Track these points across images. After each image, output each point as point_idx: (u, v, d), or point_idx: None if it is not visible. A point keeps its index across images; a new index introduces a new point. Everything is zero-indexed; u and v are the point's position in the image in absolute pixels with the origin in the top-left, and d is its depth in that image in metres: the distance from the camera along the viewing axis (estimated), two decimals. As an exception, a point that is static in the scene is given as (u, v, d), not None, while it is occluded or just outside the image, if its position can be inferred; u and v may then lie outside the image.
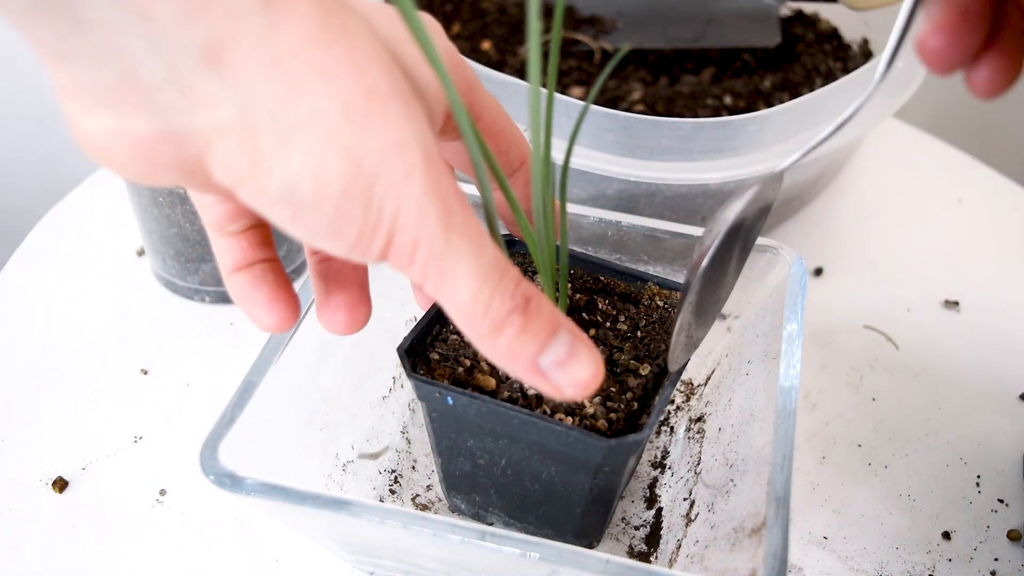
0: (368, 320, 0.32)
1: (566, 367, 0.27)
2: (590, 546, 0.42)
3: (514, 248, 0.41)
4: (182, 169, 0.23)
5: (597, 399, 0.35)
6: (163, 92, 0.21)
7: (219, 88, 0.22)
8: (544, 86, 0.37)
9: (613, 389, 0.35)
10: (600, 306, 0.39)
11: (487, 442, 0.36)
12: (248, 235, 0.31)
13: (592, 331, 0.38)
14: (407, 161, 0.23)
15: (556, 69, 0.28)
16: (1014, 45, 0.24)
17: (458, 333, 0.37)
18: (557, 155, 0.46)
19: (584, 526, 0.39)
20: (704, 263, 0.31)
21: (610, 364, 0.37)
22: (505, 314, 0.25)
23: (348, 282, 0.32)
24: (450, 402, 0.34)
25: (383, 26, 0.26)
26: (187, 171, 0.23)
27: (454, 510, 0.43)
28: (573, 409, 0.34)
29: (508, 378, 0.35)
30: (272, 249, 0.31)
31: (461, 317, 0.25)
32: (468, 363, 0.36)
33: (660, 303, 0.40)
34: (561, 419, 0.33)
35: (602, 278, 0.40)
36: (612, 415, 0.34)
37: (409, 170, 0.23)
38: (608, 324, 0.39)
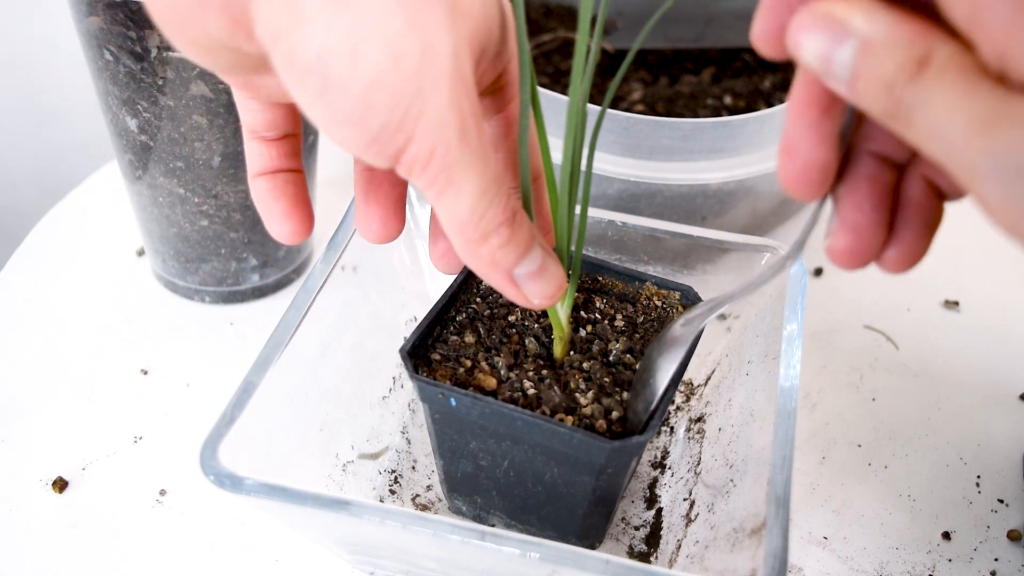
0: (399, 234, 0.33)
1: (536, 279, 0.30)
2: (592, 547, 0.42)
3: None
4: (229, 14, 0.24)
5: (591, 393, 0.35)
6: None
7: None
8: (554, 94, 0.37)
9: (607, 380, 0.35)
10: (598, 304, 0.39)
11: (489, 443, 0.36)
12: (280, 143, 0.32)
13: (588, 328, 0.38)
14: (438, 69, 0.24)
15: (591, 78, 0.28)
16: (916, 228, 0.25)
17: (459, 334, 0.37)
18: (557, 155, 0.46)
19: (586, 527, 0.39)
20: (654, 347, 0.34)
21: (603, 357, 0.37)
22: (496, 225, 0.27)
23: (386, 197, 0.33)
24: (453, 404, 0.34)
25: None
26: (233, 19, 0.24)
27: (455, 512, 0.43)
28: (572, 408, 0.34)
29: (509, 378, 0.35)
30: (299, 160, 0.33)
31: (455, 224, 0.27)
32: (469, 363, 0.36)
33: (658, 303, 0.40)
34: (561, 419, 0.33)
35: (600, 278, 0.40)
36: (612, 415, 0.34)
37: (439, 78, 0.24)
38: (606, 322, 0.39)
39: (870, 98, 0.20)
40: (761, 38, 0.23)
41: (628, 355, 0.37)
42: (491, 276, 0.29)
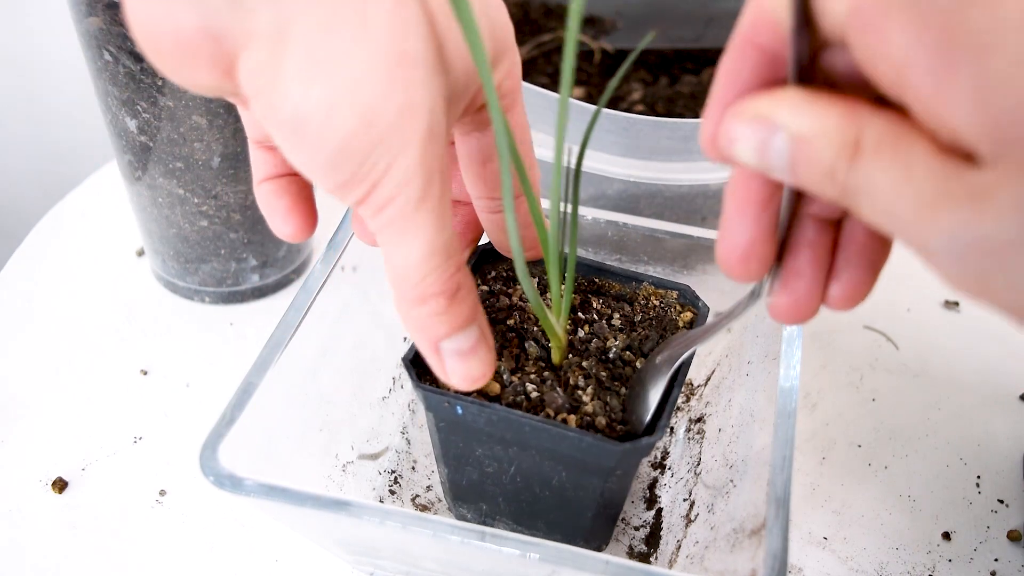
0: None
1: (462, 359, 0.30)
2: (599, 550, 0.42)
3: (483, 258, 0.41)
4: (218, 69, 0.24)
5: (591, 389, 0.35)
6: None
7: (261, 0, 0.23)
8: (551, 93, 0.37)
9: (603, 374, 0.35)
10: (595, 305, 0.39)
11: (496, 450, 0.36)
12: None
13: (586, 328, 0.38)
14: (411, 130, 0.25)
15: (573, 75, 0.28)
16: (859, 267, 0.25)
17: None
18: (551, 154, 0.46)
19: (593, 530, 0.39)
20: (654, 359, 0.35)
21: (601, 354, 0.37)
22: (434, 293, 0.28)
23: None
24: (459, 412, 0.34)
25: None
26: (222, 72, 0.25)
27: (460, 520, 0.43)
28: (574, 408, 0.34)
29: (512, 382, 0.35)
30: None
31: (396, 277, 0.28)
32: None
33: (656, 302, 0.40)
34: (564, 420, 0.33)
35: (597, 280, 0.40)
36: (612, 412, 0.34)
37: (410, 139, 0.25)
38: (603, 322, 0.39)
39: (815, 185, 0.20)
40: (707, 144, 0.23)
41: (628, 352, 0.37)
42: (417, 339, 0.29)
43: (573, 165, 0.33)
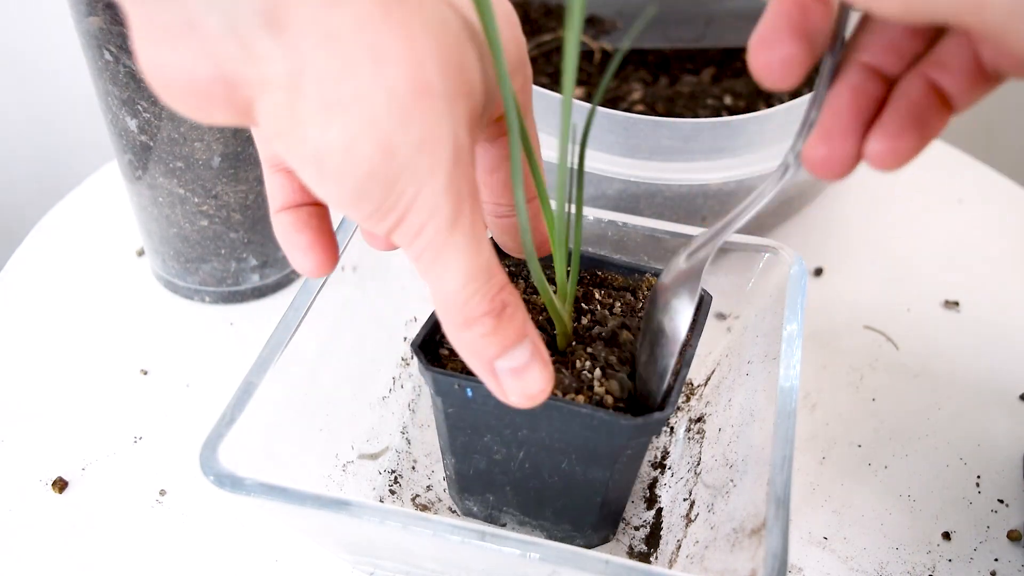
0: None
1: (519, 376, 0.29)
2: (606, 539, 0.42)
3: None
4: (234, 111, 0.25)
5: (598, 371, 0.35)
6: (223, 42, 0.23)
7: (274, 47, 0.23)
8: (557, 93, 0.37)
9: (612, 358, 0.36)
10: (597, 296, 0.40)
11: (505, 434, 0.36)
12: None
13: (587, 317, 0.38)
14: (436, 157, 0.25)
15: (574, 73, 0.28)
16: (906, 125, 0.24)
17: None
18: (553, 153, 0.46)
19: (602, 517, 0.39)
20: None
21: (603, 338, 0.37)
22: (480, 314, 0.27)
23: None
24: (469, 394, 0.34)
25: (467, 11, 0.27)
26: (239, 113, 0.25)
27: (466, 514, 0.43)
28: (581, 388, 0.34)
29: None
30: None
31: (440, 304, 0.28)
32: None
33: None
34: (573, 399, 0.34)
35: (600, 272, 0.41)
36: (619, 391, 0.34)
37: (435, 166, 0.25)
38: (605, 311, 0.39)
39: None
40: (764, 69, 0.23)
41: (625, 331, 0.37)
42: (470, 363, 0.29)
43: (575, 165, 0.33)
